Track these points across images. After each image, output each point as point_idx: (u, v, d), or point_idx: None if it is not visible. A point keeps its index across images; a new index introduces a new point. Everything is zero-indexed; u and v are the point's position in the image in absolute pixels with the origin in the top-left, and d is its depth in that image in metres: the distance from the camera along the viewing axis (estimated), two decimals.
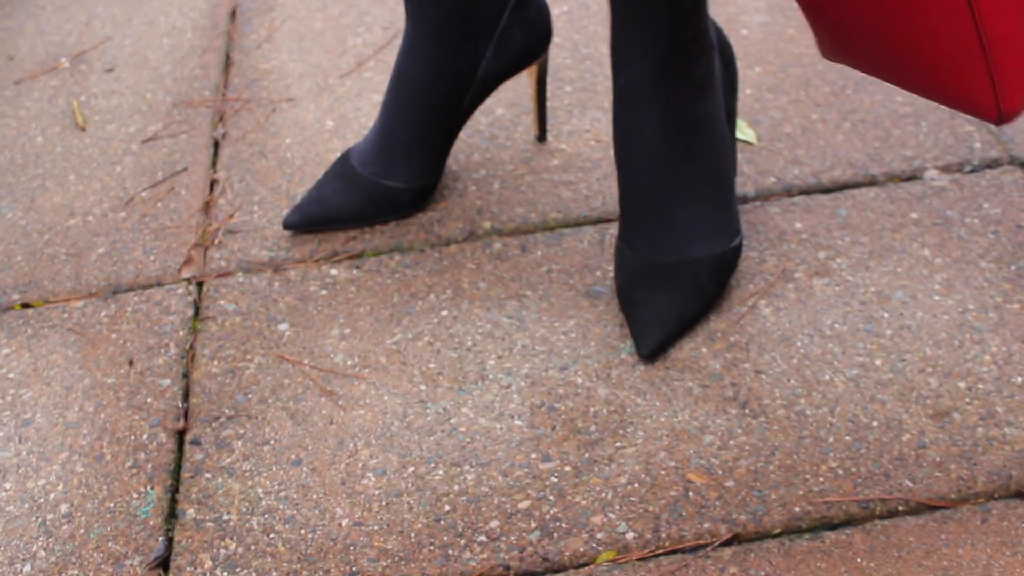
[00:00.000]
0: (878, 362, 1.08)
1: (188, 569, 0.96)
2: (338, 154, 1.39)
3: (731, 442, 1.02)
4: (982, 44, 0.82)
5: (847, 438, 1.01)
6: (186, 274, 1.25)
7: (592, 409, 1.06)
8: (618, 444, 1.02)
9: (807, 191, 1.28)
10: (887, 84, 1.42)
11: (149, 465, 1.05)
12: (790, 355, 1.09)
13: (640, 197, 1.11)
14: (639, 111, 1.08)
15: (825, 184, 1.28)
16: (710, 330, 1.12)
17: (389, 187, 1.25)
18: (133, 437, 1.08)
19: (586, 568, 0.94)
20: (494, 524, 0.97)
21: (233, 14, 1.71)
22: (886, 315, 1.12)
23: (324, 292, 1.21)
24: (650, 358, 1.09)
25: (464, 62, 1.21)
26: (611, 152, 1.35)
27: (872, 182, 1.28)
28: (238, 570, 0.96)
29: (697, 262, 1.12)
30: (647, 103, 1.08)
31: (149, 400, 1.11)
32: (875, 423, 1.02)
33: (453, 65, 1.20)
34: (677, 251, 1.11)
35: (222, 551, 0.97)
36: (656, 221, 1.11)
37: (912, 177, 1.29)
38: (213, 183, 1.38)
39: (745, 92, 1.43)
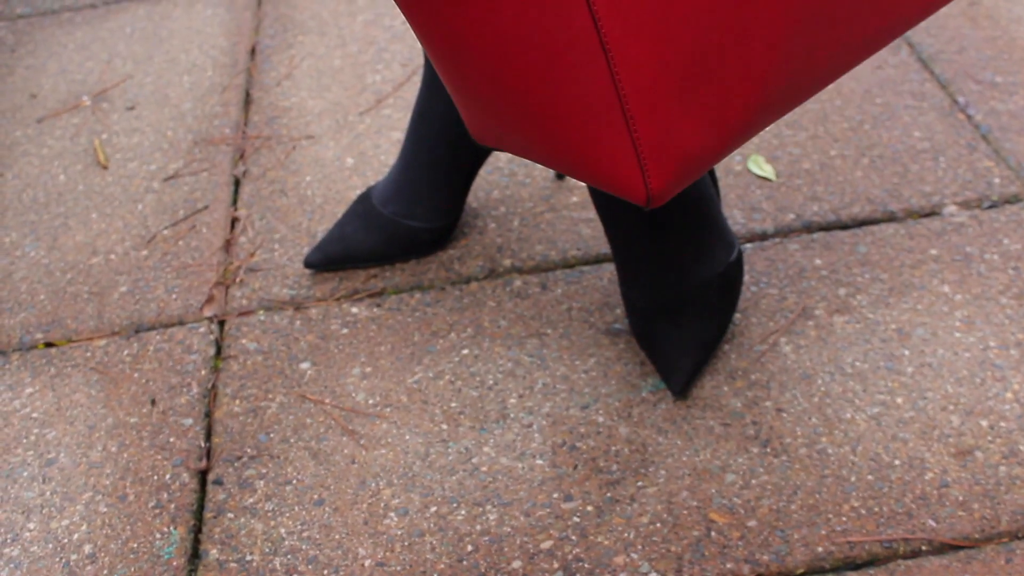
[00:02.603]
0: (899, 400, 1.08)
1: None
2: (358, 192, 1.40)
3: (753, 481, 1.02)
4: (622, 107, 0.70)
5: (869, 477, 1.01)
6: (208, 313, 1.26)
7: (614, 448, 1.06)
8: (640, 483, 1.02)
9: (826, 227, 1.28)
10: (905, 119, 1.42)
11: (172, 505, 1.05)
12: (811, 393, 1.09)
13: (631, 242, 1.12)
14: None
15: (844, 220, 1.29)
16: (731, 368, 1.12)
17: (410, 226, 1.26)
18: (156, 477, 1.08)
19: None
20: (516, 564, 0.97)
21: (253, 51, 1.72)
22: (907, 352, 1.12)
23: (345, 331, 1.21)
24: (682, 394, 1.10)
25: None
26: None
27: (891, 218, 1.29)
28: None
29: (703, 285, 1.12)
30: None
31: (172, 440, 1.12)
32: (897, 462, 1.02)
33: None
34: (680, 281, 1.11)
35: None
36: (654, 261, 1.11)
37: (931, 213, 1.29)
38: (234, 221, 1.39)
39: None
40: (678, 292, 1.11)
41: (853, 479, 1.01)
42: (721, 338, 1.13)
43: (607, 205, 1.10)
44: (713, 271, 1.11)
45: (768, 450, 1.04)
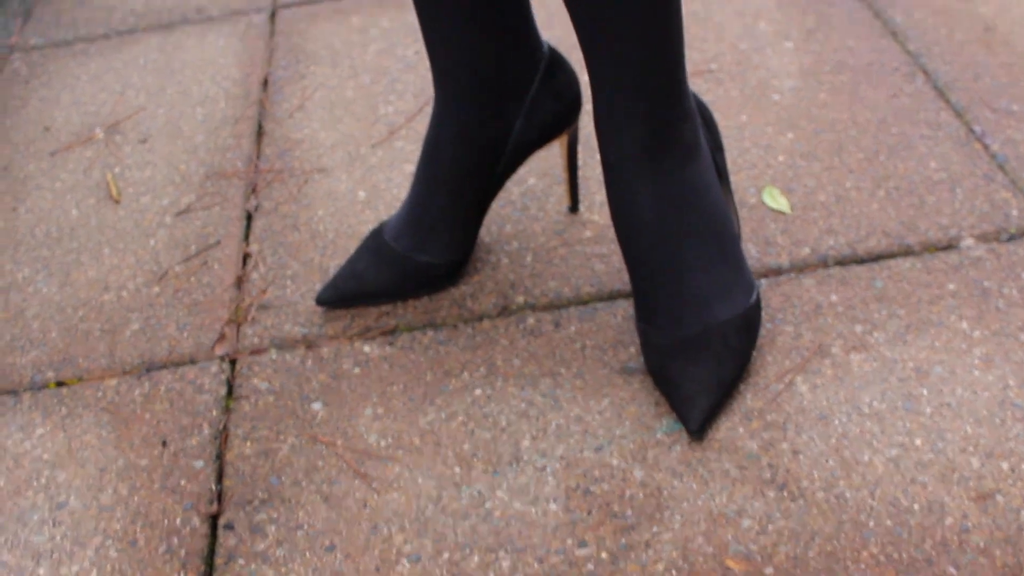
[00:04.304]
0: (918, 442, 1.06)
1: None
2: (371, 226, 1.39)
3: (770, 526, 1.00)
4: None
5: (888, 522, 1.00)
6: (219, 351, 1.25)
7: (628, 492, 1.05)
8: (655, 529, 1.01)
9: (842, 262, 1.27)
10: (921, 149, 1.41)
11: (183, 551, 1.05)
12: (828, 435, 1.08)
13: (650, 274, 1.11)
14: (632, 186, 1.08)
15: (860, 254, 1.27)
16: (747, 408, 1.11)
17: (422, 262, 1.25)
18: (167, 521, 1.07)
19: None
20: None
21: (265, 83, 1.72)
22: (925, 392, 1.11)
23: (357, 370, 1.20)
24: (700, 433, 1.09)
25: (494, 132, 1.21)
26: None
27: (908, 252, 1.27)
28: None
29: (724, 325, 1.11)
30: (639, 177, 1.08)
31: (183, 482, 1.11)
32: (916, 506, 1.01)
33: (483, 135, 1.20)
34: (700, 320, 1.10)
35: None
36: (671, 294, 1.10)
37: (948, 246, 1.27)
38: (246, 257, 1.38)
39: (778, 159, 1.42)
40: (699, 331, 1.10)
41: (872, 524, 1.00)
42: (739, 380, 1.12)
43: (629, 237, 1.09)
44: (734, 311, 1.11)
45: (785, 494, 1.03)
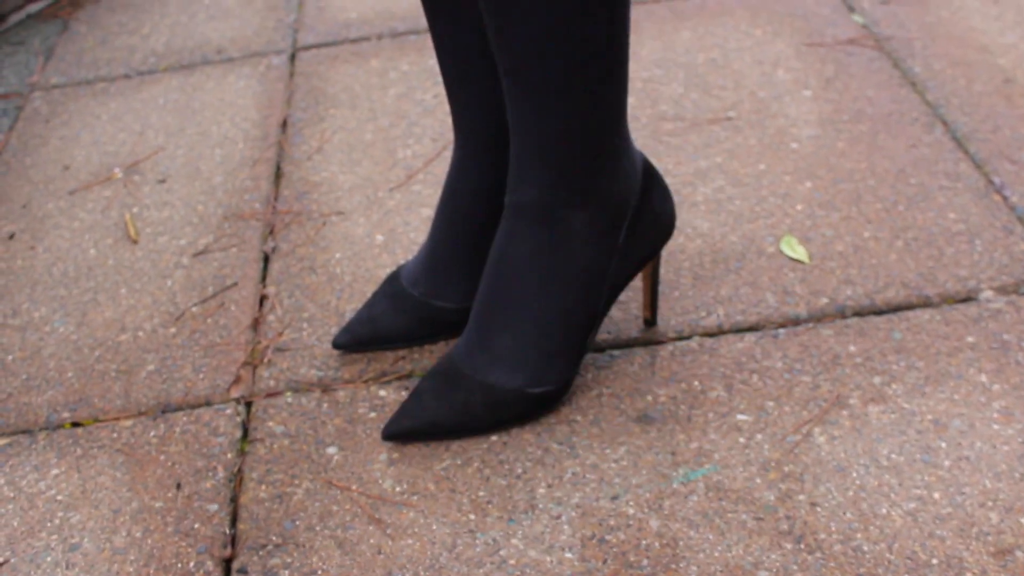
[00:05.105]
0: (936, 495, 1.06)
1: None
2: (388, 270, 1.39)
3: None
4: None
5: None
6: (235, 394, 1.25)
7: (644, 542, 1.04)
8: None
9: (860, 313, 1.26)
10: (940, 200, 1.41)
11: None
12: (846, 487, 1.07)
13: (485, 305, 1.13)
14: (523, 235, 1.10)
15: (879, 305, 1.27)
16: (764, 459, 1.10)
17: (439, 307, 1.25)
18: (180, 565, 1.07)
19: None
20: None
21: (284, 124, 1.73)
22: (944, 445, 1.10)
23: (373, 414, 1.20)
24: (386, 439, 1.15)
25: None
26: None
27: (927, 303, 1.27)
28: None
29: (482, 387, 1.13)
30: (533, 231, 1.09)
31: (196, 526, 1.11)
32: (935, 560, 1.00)
33: (502, 186, 1.20)
34: (475, 367, 1.14)
35: None
36: (482, 335, 1.13)
37: (967, 298, 1.27)
38: (263, 299, 1.38)
39: (796, 208, 1.42)
40: (466, 373, 1.15)
41: None
42: (454, 435, 1.16)
43: (501, 258, 1.12)
44: (503, 383, 1.14)
45: (802, 546, 1.02)
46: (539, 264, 1.10)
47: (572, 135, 1.04)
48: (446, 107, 1.70)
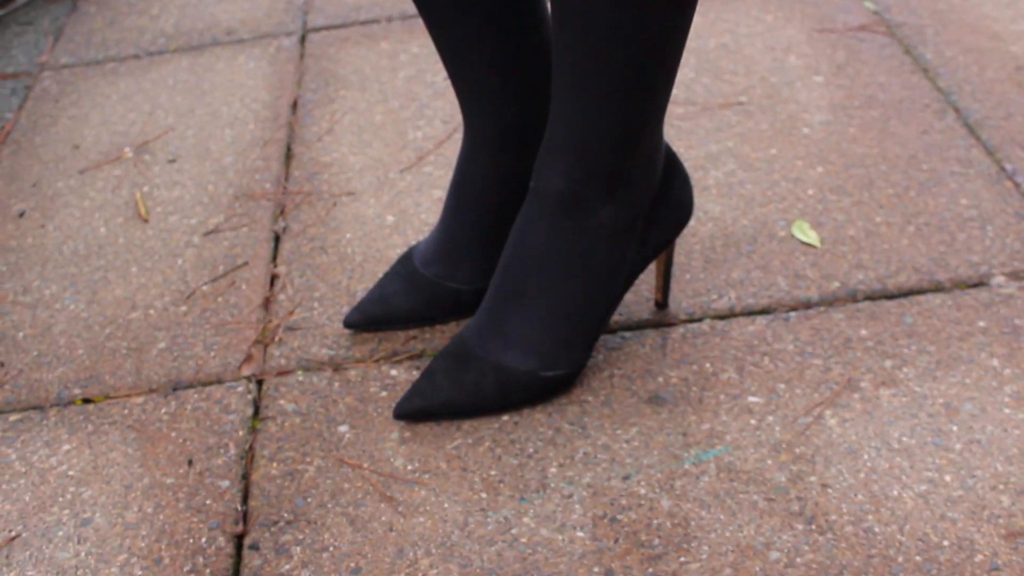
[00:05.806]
0: (948, 478, 1.06)
1: None
2: (399, 250, 1.40)
3: (798, 559, 1.00)
4: None
5: (917, 558, 0.99)
6: (246, 372, 1.25)
7: (655, 521, 1.04)
8: (682, 559, 1.01)
9: (872, 297, 1.27)
10: (951, 186, 1.41)
11: (207, 570, 1.04)
12: (857, 468, 1.07)
13: (502, 288, 1.13)
14: (547, 222, 1.10)
15: (890, 290, 1.27)
16: (776, 440, 1.11)
17: (451, 288, 1.25)
18: (192, 540, 1.07)
19: None
20: None
21: (295, 105, 1.73)
22: (955, 428, 1.10)
23: (384, 393, 1.20)
24: (397, 418, 1.15)
25: (524, 168, 1.21)
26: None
27: (938, 288, 1.27)
28: None
29: (495, 368, 1.14)
30: (557, 220, 1.09)
31: (208, 502, 1.11)
32: (946, 542, 1.00)
33: (513, 171, 1.20)
34: (488, 350, 1.14)
35: None
36: (497, 318, 1.14)
37: (979, 283, 1.27)
38: (274, 278, 1.38)
39: (808, 192, 1.42)
40: (478, 354, 1.15)
41: (900, 560, 0.99)
42: (467, 415, 1.16)
43: (518, 242, 1.12)
44: (516, 366, 1.14)
45: (813, 527, 1.02)
46: (560, 253, 1.10)
47: (616, 132, 1.04)
48: None
